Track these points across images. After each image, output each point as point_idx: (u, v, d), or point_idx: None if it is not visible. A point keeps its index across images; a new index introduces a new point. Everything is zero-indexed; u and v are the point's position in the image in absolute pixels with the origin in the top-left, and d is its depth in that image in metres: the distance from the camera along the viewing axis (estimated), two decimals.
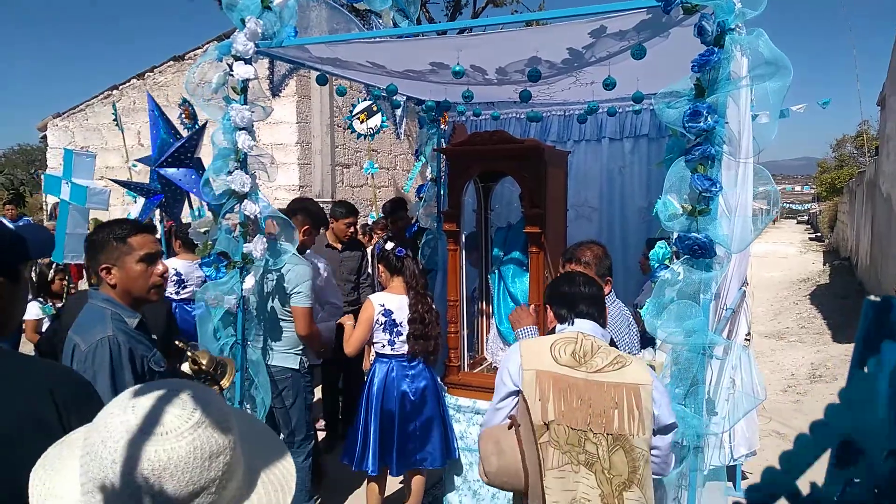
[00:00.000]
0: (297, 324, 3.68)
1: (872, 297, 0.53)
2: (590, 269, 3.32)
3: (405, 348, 3.66)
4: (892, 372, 0.53)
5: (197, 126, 4.80)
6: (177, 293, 5.16)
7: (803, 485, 0.58)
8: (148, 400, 0.98)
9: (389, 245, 3.74)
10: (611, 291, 3.46)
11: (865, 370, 0.55)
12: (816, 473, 0.62)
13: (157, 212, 5.51)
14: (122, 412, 0.97)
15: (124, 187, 5.64)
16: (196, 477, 0.93)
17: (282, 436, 3.81)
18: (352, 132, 5.15)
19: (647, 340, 3.42)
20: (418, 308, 3.64)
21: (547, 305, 2.49)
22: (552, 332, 2.42)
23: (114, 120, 6.93)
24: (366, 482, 3.94)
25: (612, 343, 2.45)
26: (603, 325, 2.38)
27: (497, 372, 2.38)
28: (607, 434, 2.10)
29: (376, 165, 7.80)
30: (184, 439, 0.94)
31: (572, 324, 2.33)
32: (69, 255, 4.92)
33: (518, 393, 2.23)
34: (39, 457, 1.10)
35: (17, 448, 1.34)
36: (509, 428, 2.22)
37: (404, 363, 3.68)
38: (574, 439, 2.12)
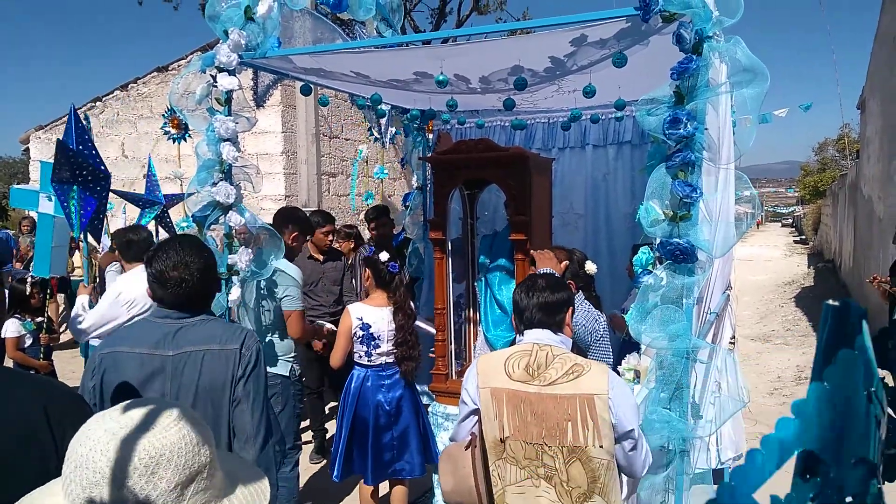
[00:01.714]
0: (290, 327, 3.70)
1: (830, 302, 0.54)
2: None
3: (382, 360, 3.68)
4: (844, 383, 0.54)
5: (188, 136, 4.77)
6: None
7: (763, 498, 0.58)
8: (123, 410, 1.02)
9: (384, 256, 3.70)
10: (577, 292, 3.53)
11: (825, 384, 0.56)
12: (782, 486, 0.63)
13: (153, 223, 5.50)
14: (102, 422, 0.98)
15: (122, 198, 5.60)
16: (190, 461, 0.96)
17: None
18: (374, 141, 5.15)
19: (631, 345, 3.45)
20: (405, 330, 3.67)
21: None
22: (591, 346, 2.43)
23: (86, 136, 6.88)
24: (358, 490, 3.95)
25: (577, 347, 2.45)
26: (559, 328, 2.32)
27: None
28: (562, 447, 2.10)
29: (386, 171, 7.80)
30: (172, 428, 0.98)
31: (522, 335, 2.33)
32: (55, 269, 4.87)
33: (478, 411, 2.26)
34: (32, 472, 1.10)
35: (11, 464, 1.33)
36: (466, 448, 2.23)
37: (380, 372, 3.68)
38: (532, 453, 2.13)
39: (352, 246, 6.16)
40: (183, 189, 6.79)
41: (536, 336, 2.28)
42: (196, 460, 0.97)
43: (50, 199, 4.80)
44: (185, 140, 4.93)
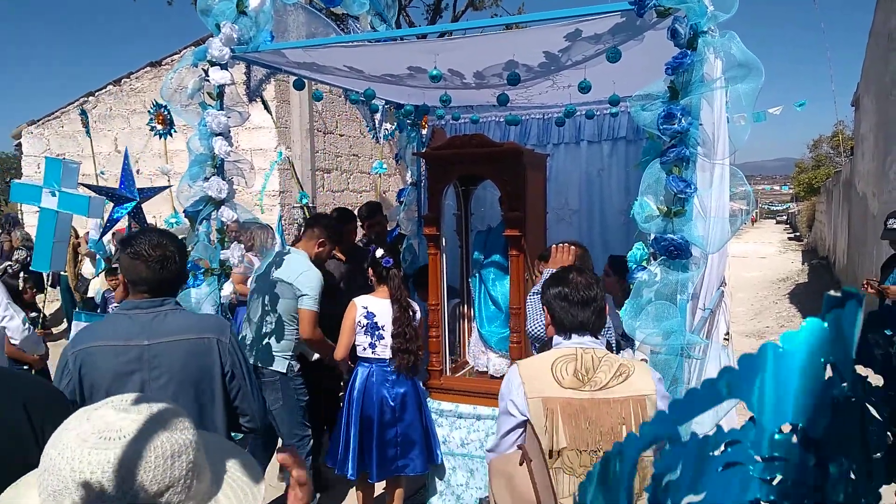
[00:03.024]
0: (302, 326, 3.74)
1: (832, 293, 0.52)
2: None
3: (387, 353, 3.65)
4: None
5: (173, 132, 4.75)
6: None
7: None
8: (104, 410, 0.98)
9: (379, 252, 3.74)
10: None
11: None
12: None
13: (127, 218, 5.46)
14: (78, 424, 0.96)
15: (97, 193, 5.59)
16: (160, 476, 0.93)
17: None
18: (373, 137, 5.13)
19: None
20: (401, 322, 3.65)
21: (543, 308, 2.37)
22: (550, 341, 2.30)
23: (84, 129, 6.83)
24: (354, 488, 3.93)
25: (609, 346, 2.39)
26: (600, 328, 2.27)
27: (500, 400, 2.26)
28: None
29: (385, 166, 7.79)
30: (143, 441, 0.93)
31: (569, 338, 2.21)
32: (55, 264, 4.84)
33: (526, 423, 2.13)
34: (14, 468, 1.08)
35: None
36: (521, 464, 2.12)
37: (385, 368, 3.66)
38: (586, 461, 2.06)
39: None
40: (172, 185, 6.77)
41: (578, 340, 2.20)
42: (167, 475, 0.94)
43: (54, 195, 4.77)
44: (170, 136, 4.91)
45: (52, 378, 2.24)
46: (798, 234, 31.66)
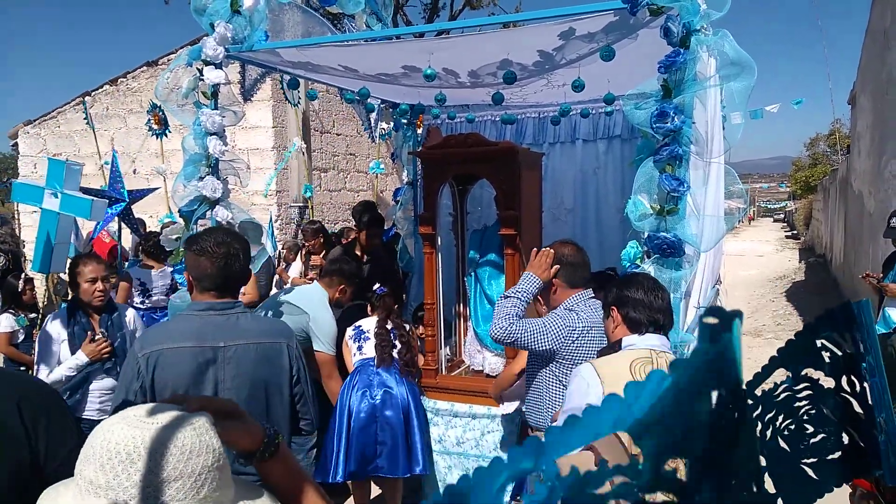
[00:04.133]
0: (324, 370, 3.64)
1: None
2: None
3: (372, 351, 3.71)
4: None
5: (168, 132, 4.76)
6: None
7: None
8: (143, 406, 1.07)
9: (376, 286, 3.93)
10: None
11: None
12: None
13: (116, 220, 5.46)
14: (123, 414, 1.04)
15: (87, 195, 5.60)
16: (172, 464, 0.97)
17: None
18: (369, 137, 5.14)
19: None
20: (381, 332, 3.73)
21: (613, 307, 2.28)
22: (618, 343, 2.24)
23: (84, 120, 6.80)
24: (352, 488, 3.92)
25: None
26: (670, 327, 2.26)
27: (567, 397, 2.22)
28: None
29: (382, 166, 7.80)
30: (172, 431, 0.99)
31: (642, 334, 2.17)
32: (55, 266, 4.82)
33: None
34: (5, 467, 1.10)
35: None
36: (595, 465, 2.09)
37: (370, 365, 3.68)
38: None
39: (321, 241, 6.04)
40: (168, 186, 6.75)
41: (651, 342, 2.15)
42: (186, 466, 0.99)
43: (56, 196, 4.75)
44: (166, 136, 4.91)
45: (119, 378, 2.24)
46: (795, 232, 31.72)
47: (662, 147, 2.42)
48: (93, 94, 10.47)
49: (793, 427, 0.63)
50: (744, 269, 16.76)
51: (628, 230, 2.83)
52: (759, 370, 0.62)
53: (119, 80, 10.35)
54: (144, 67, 10.20)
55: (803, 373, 0.63)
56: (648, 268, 2.49)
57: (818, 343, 0.61)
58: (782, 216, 47.02)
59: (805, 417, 0.63)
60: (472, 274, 4.11)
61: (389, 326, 3.77)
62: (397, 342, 3.75)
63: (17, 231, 10.85)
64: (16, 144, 11.44)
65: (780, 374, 0.63)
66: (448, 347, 4.23)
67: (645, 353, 2.11)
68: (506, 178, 3.62)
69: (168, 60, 9.89)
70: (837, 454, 0.62)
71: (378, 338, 3.71)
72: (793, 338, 0.62)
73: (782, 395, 0.64)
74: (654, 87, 2.48)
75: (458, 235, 4.28)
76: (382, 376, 3.64)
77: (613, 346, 2.30)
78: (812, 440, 0.63)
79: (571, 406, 2.14)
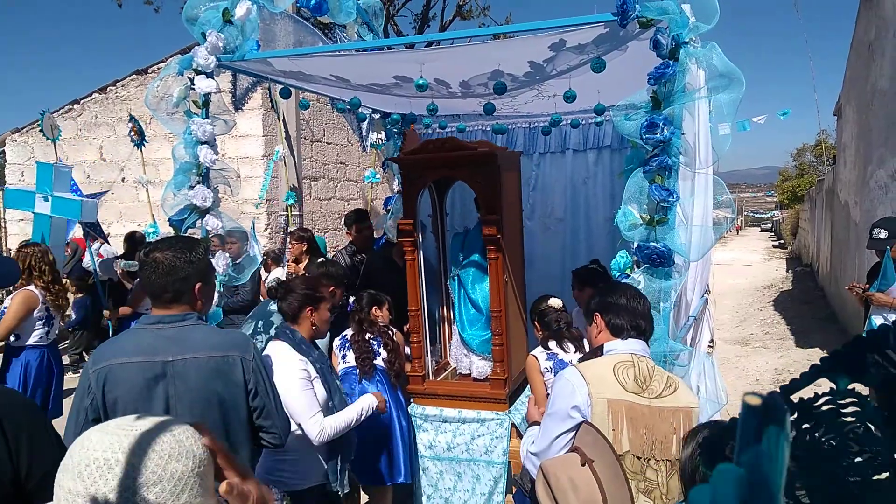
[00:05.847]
0: None
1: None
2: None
3: (352, 363, 3.71)
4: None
5: (145, 143, 4.78)
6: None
7: None
8: (126, 417, 1.05)
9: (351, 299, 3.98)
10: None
11: None
12: None
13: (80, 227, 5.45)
14: (102, 425, 1.02)
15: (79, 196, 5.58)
16: (151, 468, 0.96)
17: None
18: (362, 146, 5.16)
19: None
20: (359, 340, 3.73)
21: (596, 314, 2.33)
22: (600, 349, 2.27)
23: (40, 130, 6.65)
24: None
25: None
26: (651, 333, 2.31)
27: (551, 401, 2.23)
28: (666, 460, 2.07)
29: (378, 175, 7.80)
30: (153, 435, 0.98)
31: (625, 339, 2.22)
32: None
33: (579, 425, 2.10)
34: None
35: None
36: (582, 465, 2.06)
37: (353, 373, 3.67)
38: (637, 467, 2.07)
39: (304, 248, 6.04)
40: (150, 195, 6.72)
41: (632, 347, 2.21)
42: (165, 470, 0.97)
43: (46, 200, 4.74)
44: (144, 145, 4.92)
45: (74, 399, 2.17)
46: (782, 241, 31.93)
47: (652, 158, 2.44)
48: (81, 101, 10.43)
49: (835, 442, 0.60)
50: (732, 279, 16.86)
51: (618, 240, 2.84)
52: (798, 376, 0.57)
53: (108, 89, 10.32)
54: (134, 76, 10.18)
55: (850, 387, 0.60)
56: (638, 277, 2.50)
57: (868, 357, 0.57)
58: (769, 226, 47.34)
59: (851, 435, 0.60)
60: (456, 278, 4.09)
61: (368, 336, 3.75)
62: (382, 350, 3.74)
63: (2, 240, 10.75)
64: (3, 152, 11.37)
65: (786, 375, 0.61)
66: (432, 351, 4.21)
67: (627, 358, 2.17)
68: (487, 182, 3.57)
69: (158, 69, 9.87)
70: (885, 474, 0.59)
71: (356, 351, 3.70)
72: (839, 348, 0.58)
73: (825, 408, 0.60)
74: (644, 98, 2.50)
75: (438, 238, 4.25)
76: (364, 385, 3.63)
77: (595, 352, 2.34)
78: (857, 458, 0.60)
79: (555, 409, 2.18)
